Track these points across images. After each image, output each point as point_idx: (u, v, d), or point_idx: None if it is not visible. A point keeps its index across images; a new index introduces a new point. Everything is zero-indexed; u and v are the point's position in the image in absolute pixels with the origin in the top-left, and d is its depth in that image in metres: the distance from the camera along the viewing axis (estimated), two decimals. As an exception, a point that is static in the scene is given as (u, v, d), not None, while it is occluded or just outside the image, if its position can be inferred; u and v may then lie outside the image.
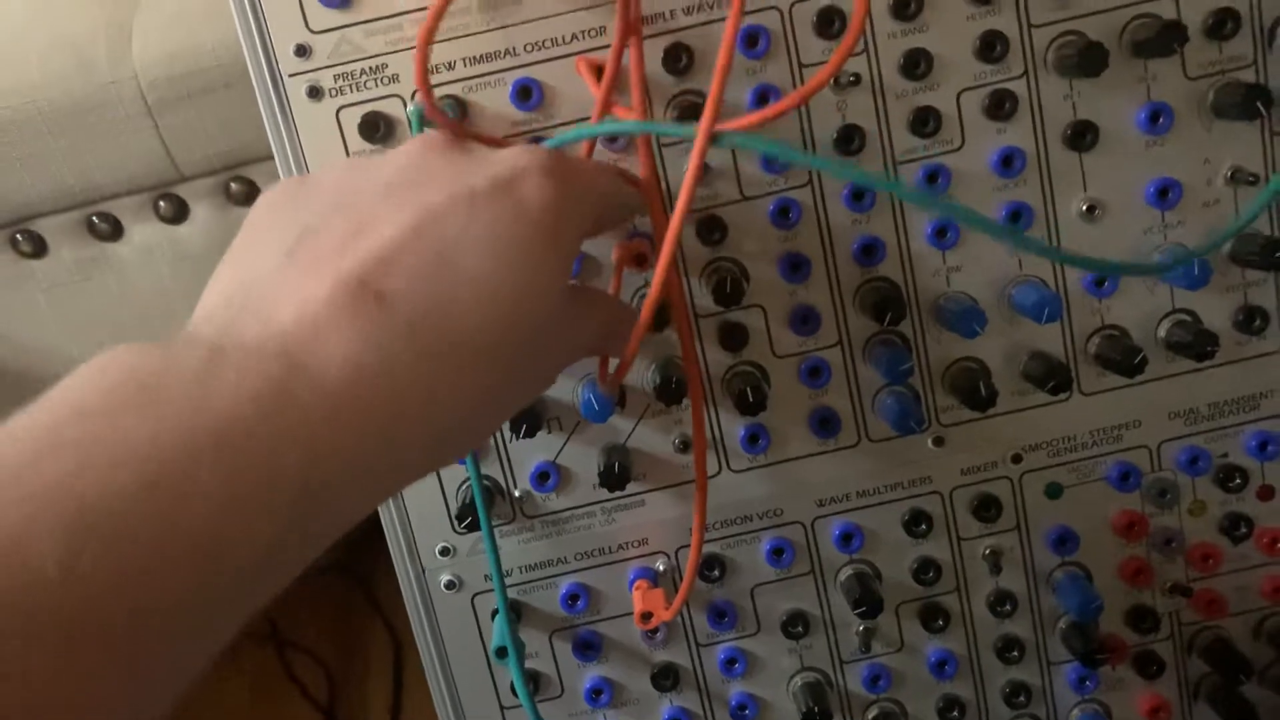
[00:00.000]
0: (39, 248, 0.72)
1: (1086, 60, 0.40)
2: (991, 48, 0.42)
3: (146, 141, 0.70)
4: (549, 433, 0.46)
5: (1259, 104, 0.41)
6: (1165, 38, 0.40)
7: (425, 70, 0.35)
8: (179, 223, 0.72)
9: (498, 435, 0.46)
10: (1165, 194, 0.43)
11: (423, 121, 0.40)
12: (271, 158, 0.43)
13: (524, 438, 0.44)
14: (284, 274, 0.29)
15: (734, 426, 0.46)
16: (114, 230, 0.73)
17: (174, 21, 0.67)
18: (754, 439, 0.46)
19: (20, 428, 0.22)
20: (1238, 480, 0.47)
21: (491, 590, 0.47)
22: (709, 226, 0.44)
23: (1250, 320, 0.45)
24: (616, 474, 0.44)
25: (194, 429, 0.23)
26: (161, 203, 0.72)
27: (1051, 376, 0.43)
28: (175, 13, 0.67)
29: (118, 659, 0.21)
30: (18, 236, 0.72)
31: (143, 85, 0.67)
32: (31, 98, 0.67)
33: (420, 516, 0.46)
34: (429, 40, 0.34)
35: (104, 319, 0.72)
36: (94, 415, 0.23)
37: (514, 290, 0.30)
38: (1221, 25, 0.42)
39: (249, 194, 0.69)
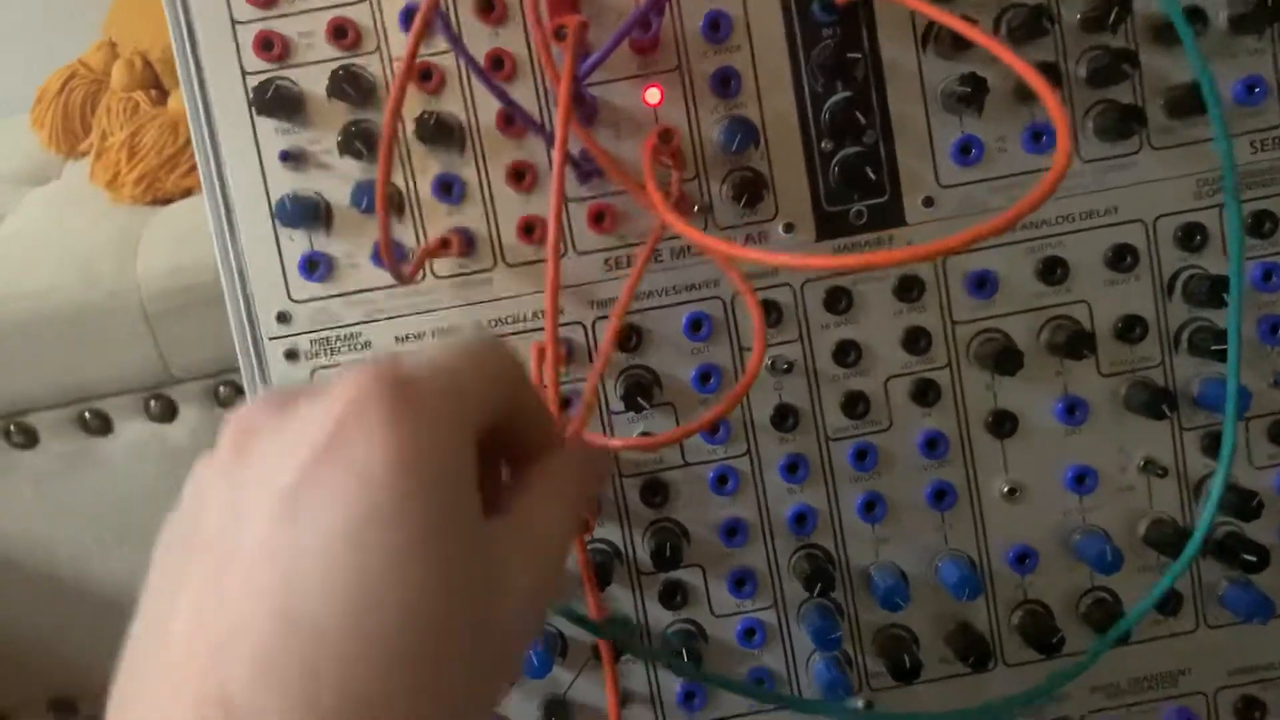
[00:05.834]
0: (30, 439, 0.75)
1: (1003, 362, 0.44)
2: (916, 340, 0.45)
3: (143, 347, 0.73)
4: (492, 681, 0.47)
5: (1164, 406, 0.44)
6: (1075, 344, 0.44)
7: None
8: (168, 421, 0.75)
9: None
10: (1082, 480, 0.46)
11: None
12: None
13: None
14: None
15: (671, 684, 0.47)
16: (104, 426, 0.76)
17: (179, 238, 0.72)
18: (690, 697, 0.47)
19: None
20: (1160, 755, 0.48)
21: None
22: (652, 489, 0.46)
23: (1166, 602, 0.47)
24: (553, 730, 0.45)
25: None
26: (152, 402, 0.75)
27: (971, 651, 0.45)
28: (181, 230, 0.72)
29: None
30: (10, 428, 0.75)
31: (144, 296, 0.71)
32: (40, 303, 0.71)
33: None
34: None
35: (88, 511, 0.75)
36: None
37: (397, 611, 0.22)
38: (1130, 329, 0.45)
39: (236, 398, 0.73)
